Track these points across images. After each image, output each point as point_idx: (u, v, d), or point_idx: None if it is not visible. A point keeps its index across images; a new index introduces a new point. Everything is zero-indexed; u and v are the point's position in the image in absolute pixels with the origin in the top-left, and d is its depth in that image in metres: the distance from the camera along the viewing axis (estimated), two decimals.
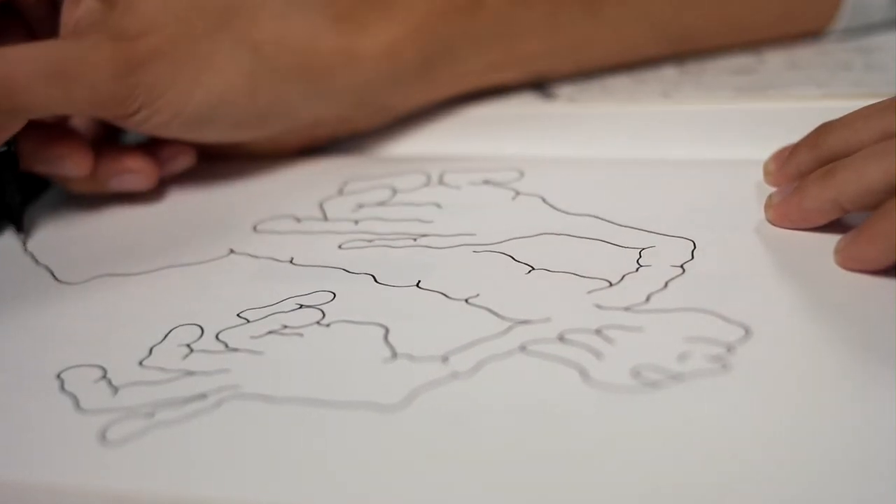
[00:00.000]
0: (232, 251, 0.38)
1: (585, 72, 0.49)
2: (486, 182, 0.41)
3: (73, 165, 0.41)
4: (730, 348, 0.29)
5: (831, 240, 0.33)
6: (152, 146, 0.44)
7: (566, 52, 0.48)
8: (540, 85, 0.48)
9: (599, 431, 0.26)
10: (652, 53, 0.50)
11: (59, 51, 0.38)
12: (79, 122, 0.44)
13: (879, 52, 0.49)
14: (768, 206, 0.35)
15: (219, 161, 0.45)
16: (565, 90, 0.48)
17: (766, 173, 0.38)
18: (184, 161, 0.44)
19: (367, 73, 0.43)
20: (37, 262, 0.39)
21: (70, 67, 0.37)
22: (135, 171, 0.42)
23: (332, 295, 0.34)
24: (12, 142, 0.40)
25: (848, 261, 0.32)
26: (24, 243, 0.40)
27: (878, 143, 0.33)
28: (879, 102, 0.35)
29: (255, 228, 0.40)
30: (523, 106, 0.47)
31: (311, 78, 0.42)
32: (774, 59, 0.49)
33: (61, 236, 0.41)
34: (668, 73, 0.49)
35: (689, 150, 0.42)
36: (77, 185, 0.43)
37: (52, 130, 0.41)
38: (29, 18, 0.43)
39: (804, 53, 0.50)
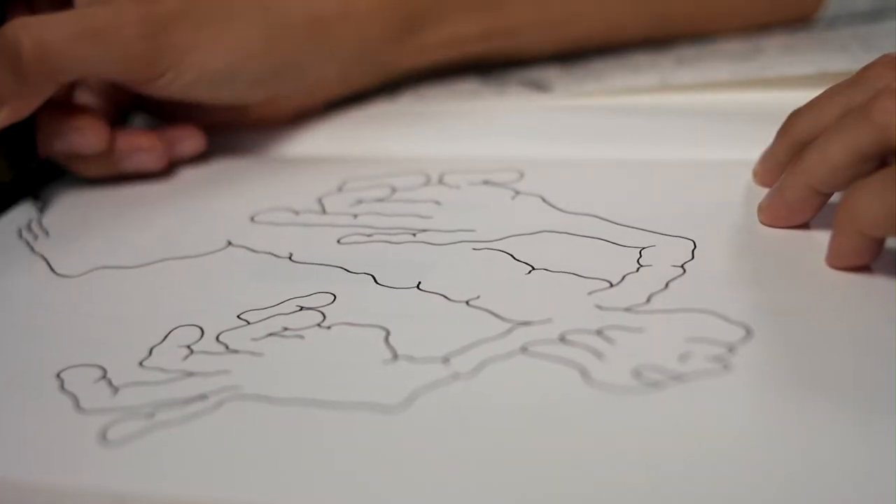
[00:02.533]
0: (230, 243, 0.38)
1: (571, 48, 0.51)
2: (486, 182, 0.41)
3: (91, 137, 0.42)
4: (731, 348, 0.29)
5: None
6: (160, 128, 0.45)
7: (552, 26, 0.49)
8: (535, 80, 0.49)
9: (601, 432, 0.26)
10: (637, 33, 0.51)
11: (88, 13, 0.39)
12: (90, 102, 0.45)
13: (877, 37, 0.49)
14: (759, 210, 0.35)
15: (218, 149, 0.46)
16: (561, 83, 0.48)
17: (754, 175, 0.38)
18: (193, 144, 0.45)
19: (363, 29, 0.45)
20: (33, 250, 0.39)
21: (100, 28, 0.39)
22: (148, 150, 0.43)
23: (333, 297, 0.34)
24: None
25: (832, 259, 0.32)
26: (41, 211, 0.41)
27: (840, 120, 0.32)
28: (844, 80, 0.35)
29: (252, 219, 0.40)
30: (520, 101, 0.47)
31: (315, 35, 0.44)
32: (771, 47, 0.49)
33: (58, 226, 0.41)
34: (665, 62, 0.49)
35: (688, 148, 0.42)
36: (91, 166, 0.43)
37: (69, 107, 0.42)
38: None
39: (801, 40, 0.50)
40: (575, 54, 0.51)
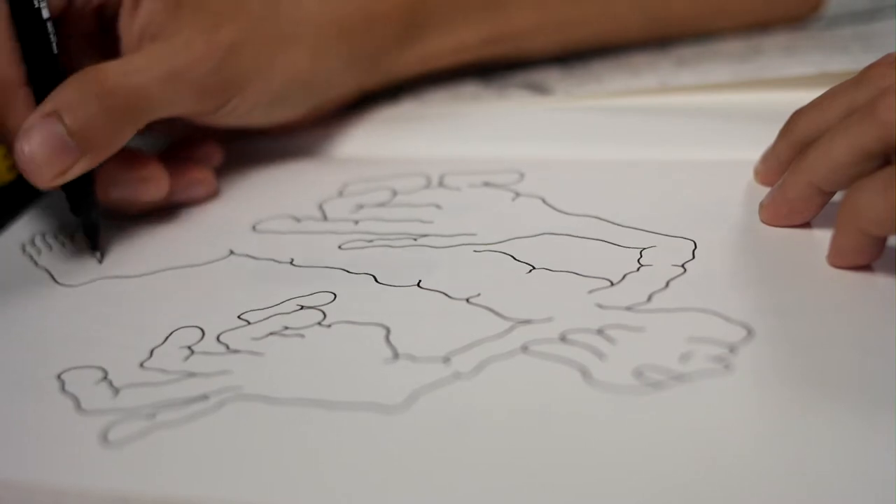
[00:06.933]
0: (232, 252, 0.38)
1: (573, 50, 0.51)
2: (486, 184, 0.41)
3: (153, 188, 0.41)
4: (732, 348, 0.29)
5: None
6: (187, 151, 0.44)
7: (555, 30, 0.49)
8: (535, 83, 0.49)
9: (601, 432, 0.26)
10: (639, 35, 0.51)
11: (165, 54, 0.38)
12: None
13: (877, 37, 0.49)
14: (760, 208, 0.35)
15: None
16: (561, 86, 0.48)
17: (755, 174, 0.38)
18: (216, 160, 0.44)
19: (380, 34, 0.45)
20: (36, 264, 0.39)
21: (179, 68, 0.38)
22: (201, 182, 0.43)
23: (333, 296, 0.34)
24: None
25: (834, 258, 0.32)
26: (100, 261, 0.39)
27: (843, 119, 0.32)
28: (847, 80, 0.35)
29: (254, 228, 0.40)
30: (520, 103, 0.47)
31: (343, 44, 0.44)
32: (771, 47, 0.49)
33: (60, 238, 0.41)
34: (665, 64, 0.49)
35: (687, 148, 0.42)
36: (145, 208, 0.42)
37: (128, 155, 0.40)
38: (74, 33, 0.41)
39: (801, 41, 0.50)
40: (576, 57, 0.51)
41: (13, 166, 0.44)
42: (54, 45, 0.38)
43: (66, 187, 0.39)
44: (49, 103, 0.36)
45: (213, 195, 0.43)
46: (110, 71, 0.37)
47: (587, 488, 0.25)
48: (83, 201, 0.39)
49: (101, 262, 0.39)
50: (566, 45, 0.51)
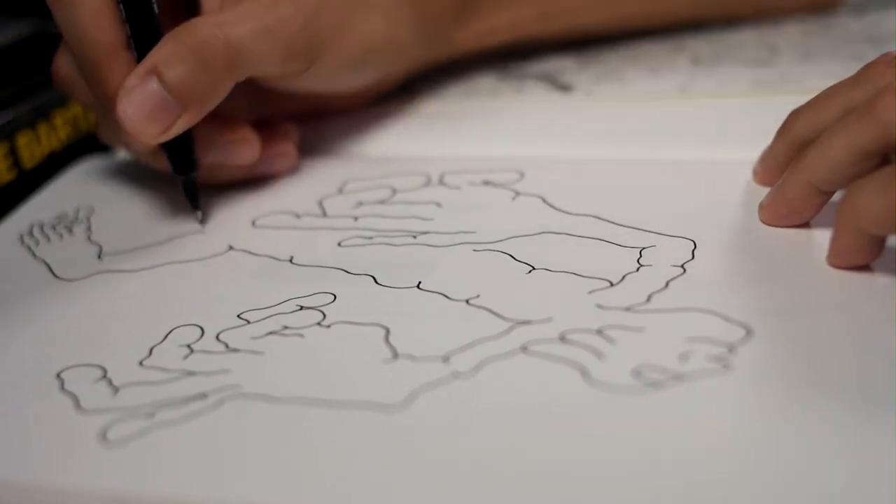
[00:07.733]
0: (231, 247, 0.38)
1: (628, 29, 0.52)
2: (486, 183, 0.41)
3: (247, 150, 0.41)
4: (731, 348, 0.29)
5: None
6: (269, 126, 0.44)
7: (607, 4, 0.50)
8: (554, 79, 0.49)
9: (601, 432, 0.26)
10: (684, 15, 0.53)
11: (257, 10, 0.38)
12: None
13: (891, 42, 0.49)
14: (759, 208, 0.35)
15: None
16: (581, 82, 0.48)
17: (754, 175, 0.38)
18: (295, 136, 0.45)
19: (444, 4, 0.45)
20: (34, 255, 0.39)
21: (269, 23, 0.38)
22: (286, 155, 0.43)
23: (333, 296, 0.34)
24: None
25: (833, 258, 0.32)
26: (201, 221, 0.40)
27: (842, 118, 0.32)
28: (844, 79, 0.35)
29: (253, 224, 0.40)
30: (539, 100, 0.47)
31: (414, 11, 0.44)
32: (788, 52, 0.49)
33: (58, 232, 0.41)
34: (683, 64, 0.49)
35: (706, 148, 0.41)
36: (232, 175, 0.42)
37: (221, 117, 0.40)
38: None
39: (817, 46, 0.50)
40: (588, 47, 0.52)
41: (13, 165, 0.44)
42: (154, 4, 0.38)
43: (168, 146, 0.39)
44: (146, 62, 0.37)
45: (293, 169, 0.44)
46: (204, 25, 0.37)
47: (586, 488, 0.25)
48: (184, 160, 0.39)
49: (202, 221, 0.40)
50: (620, 20, 0.51)
